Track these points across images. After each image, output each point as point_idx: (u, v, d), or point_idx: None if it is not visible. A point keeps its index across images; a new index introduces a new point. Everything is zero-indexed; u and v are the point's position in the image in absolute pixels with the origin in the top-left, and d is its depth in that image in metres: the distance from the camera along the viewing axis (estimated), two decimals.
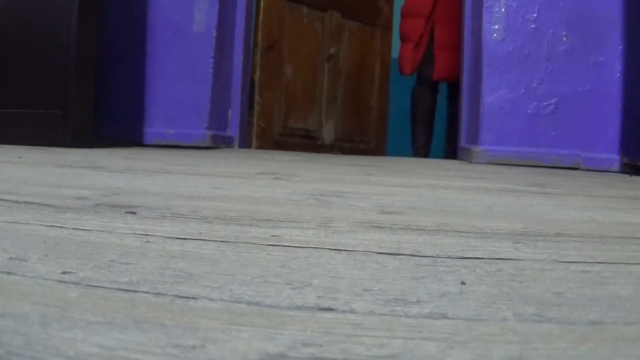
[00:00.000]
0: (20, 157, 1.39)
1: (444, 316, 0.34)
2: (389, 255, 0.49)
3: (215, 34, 2.44)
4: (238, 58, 2.70)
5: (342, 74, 3.18)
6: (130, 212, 0.65)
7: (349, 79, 3.22)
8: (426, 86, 3.10)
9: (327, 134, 3.10)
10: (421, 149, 3.13)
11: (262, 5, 2.80)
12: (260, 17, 2.80)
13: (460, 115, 2.63)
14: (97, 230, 0.54)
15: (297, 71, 2.95)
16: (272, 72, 2.83)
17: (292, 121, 2.94)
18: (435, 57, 3.01)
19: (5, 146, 1.83)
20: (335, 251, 0.50)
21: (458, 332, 0.31)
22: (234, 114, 2.69)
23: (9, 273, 0.38)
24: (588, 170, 2.23)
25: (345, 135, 3.19)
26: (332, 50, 3.10)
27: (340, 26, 3.16)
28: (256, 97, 2.80)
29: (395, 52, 3.43)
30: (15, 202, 0.69)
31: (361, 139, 3.31)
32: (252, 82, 2.79)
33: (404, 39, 3.11)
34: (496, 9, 2.32)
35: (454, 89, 3.05)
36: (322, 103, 3.08)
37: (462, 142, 2.58)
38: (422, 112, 3.11)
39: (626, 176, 1.95)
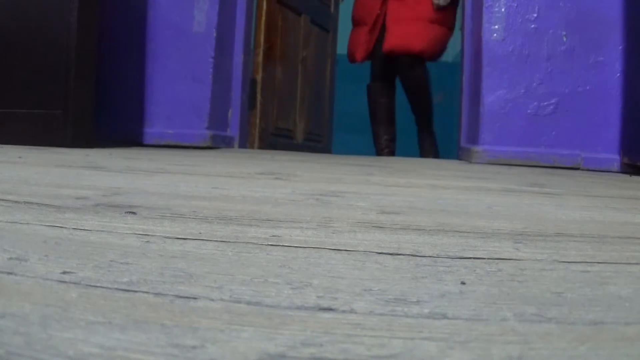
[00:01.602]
0: (20, 157, 1.39)
1: (444, 316, 0.34)
2: (389, 255, 0.49)
3: (215, 34, 2.45)
4: (238, 58, 2.70)
5: (309, 76, 3.24)
6: (130, 212, 0.65)
7: (312, 81, 3.30)
8: (380, 82, 2.88)
9: (299, 133, 3.16)
10: (385, 150, 2.88)
11: (264, 7, 2.81)
12: (263, 18, 2.81)
13: (460, 115, 2.63)
14: (97, 230, 0.54)
15: (284, 73, 2.98)
16: (270, 73, 2.85)
17: (279, 122, 2.98)
18: (387, 30, 2.70)
19: (5, 146, 1.83)
20: (335, 251, 0.50)
21: (458, 332, 0.31)
22: (234, 114, 2.69)
23: (9, 273, 0.38)
24: (588, 170, 2.23)
25: (310, 135, 3.27)
26: (304, 53, 3.17)
27: (309, 30, 3.23)
28: (258, 97, 2.81)
29: (341, 49, 3.47)
30: (15, 202, 0.69)
31: (320, 138, 3.43)
32: (254, 82, 2.79)
33: (357, 22, 2.84)
34: (496, 9, 2.33)
35: (404, 64, 2.74)
36: (297, 104, 3.14)
37: (462, 142, 2.58)
38: (379, 111, 2.90)
39: (626, 176, 1.95)
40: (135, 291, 0.36)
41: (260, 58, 2.80)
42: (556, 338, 0.31)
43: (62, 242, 0.49)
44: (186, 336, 0.29)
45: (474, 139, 2.39)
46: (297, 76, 3.13)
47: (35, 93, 1.96)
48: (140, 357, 0.26)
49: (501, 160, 2.27)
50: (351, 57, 2.86)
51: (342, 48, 3.58)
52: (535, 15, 2.31)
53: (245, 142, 2.77)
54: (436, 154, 2.91)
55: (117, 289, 0.36)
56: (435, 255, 0.50)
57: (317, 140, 3.39)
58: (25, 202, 0.69)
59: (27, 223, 0.57)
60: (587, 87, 2.28)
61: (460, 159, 2.52)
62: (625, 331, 0.32)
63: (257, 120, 2.81)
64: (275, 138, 2.93)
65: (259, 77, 2.80)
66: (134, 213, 0.64)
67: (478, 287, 0.40)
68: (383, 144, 2.90)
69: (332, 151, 3.58)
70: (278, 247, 0.51)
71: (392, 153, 2.90)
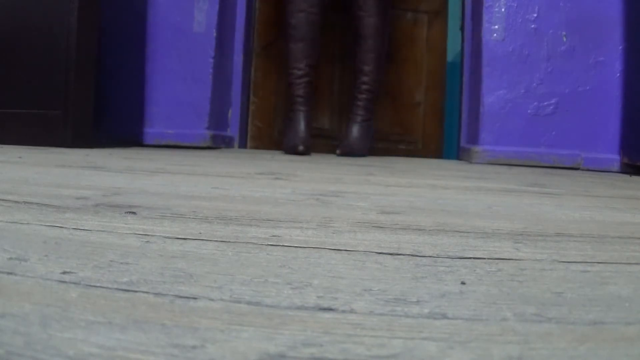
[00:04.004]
0: (20, 157, 1.39)
1: (444, 316, 0.34)
2: (389, 255, 0.49)
3: (215, 34, 2.45)
4: (238, 58, 2.70)
5: None
6: (130, 212, 0.65)
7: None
8: None
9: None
10: None
11: (256, 5, 2.79)
12: (256, 16, 2.79)
13: (460, 115, 2.63)
14: (97, 230, 0.54)
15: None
16: (271, 71, 2.81)
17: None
18: None
19: (5, 146, 1.83)
20: (335, 251, 0.50)
21: (458, 332, 0.31)
22: (234, 114, 2.69)
23: (9, 273, 0.38)
24: (588, 170, 2.23)
25: (377, 134, 2.77)
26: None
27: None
28: (251, 97, 2.79)
29: (451, 45, 2.84)
30: (15, 202, 0.69)
31: (401, 138, 2.84)
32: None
33: None
34: (496, 9, 2.33)
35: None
36: (340, 101, 2.81)
37: (462, 142, 2.58)
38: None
39: (626, 176, 1.95)
40: (135, 291, 0.36)
41: (253, 58, 2.78)
42: (556, 338, 0.31)
43: (62, 242, 0.49)
44: (186, 336, 0.29)
45: (474, 139, 2.39)
46: (338, 70, 2.79)
47: (35, 93, 1.96)
48: (140, 357, 0.26)
49: (501, 160, 2.27)
50: None
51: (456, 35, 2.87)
52: (535, 15, 2.31)
53: (245, 142, 2.77)
54: None
55: (117, 289, 0.36)
56: (435, 255, 0.50)
57: (399, 141, 2.83)
58: (25, 202, 0.69)
59: (27, 223, 0.57)
60: (587, 87, 2.28)
61: (460, 159, 2.52)
62: (625, 331, 0.32)
63: (250, 120, 2.78)
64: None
65: (251, 77, 2.78)
66: (134, 213, 0.64)
67: (478, 287, 0.40)
68: None
69: (443, 155, 2.87)
70: (278, 247, 0.51)
71: None
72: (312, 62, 2.34)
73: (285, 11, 2.31)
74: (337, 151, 2.34)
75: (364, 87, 2.37)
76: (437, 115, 2.86)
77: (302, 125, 2.30)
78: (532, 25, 2.31)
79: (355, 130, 2.36)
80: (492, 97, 2.31)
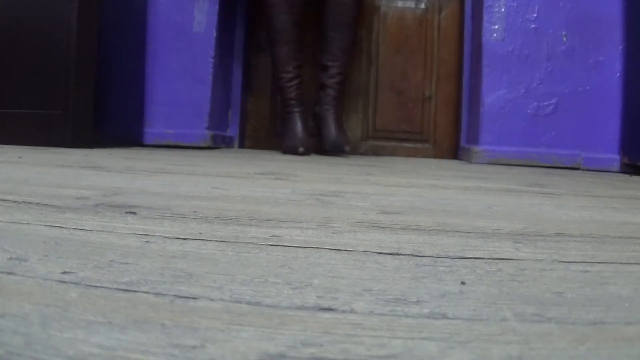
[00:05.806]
0: (20, 157, 1.39)
1: (444, 316, 0.34)
2: (389, 255, 0.49)
3: (215, 34, 2.45)
4: (238, 58, 2.70)
5: (373, 61, 2.69)
6: (130, 212, 0.65)
7: (384, 66, 2.68)
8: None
9: (351, 130, 2.68)
10: None
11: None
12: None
13: (461, 115, 2.63)
14: (97, 230, 0.54)
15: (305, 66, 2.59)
16: (267, 71, 2.77)
17: None
18: None
19: (5, 146, 1.83)
20: (335, 251, 0.50)
21: (458, 332, 0.31)
22: (234, 114, 2.69)
23: (9, 273, 0.38)
24: (588, 170, 2.23)
25: (379, 132, 2.70)
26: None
27: (368, 8, 2.67)
28: (248, 97, 2.78)
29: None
30: (15, 202, 0.69)
31: (408, 136, 2.68)
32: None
33: None
34: (496, 9, 2.33)
35: None
36: (369, 99, 2.69)
37: (462, 142, 2.58)
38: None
39: (626, 176, 1.95)
40: (135, 291, 0.36)
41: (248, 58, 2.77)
42: (556, 338, 0.31)
43: (62, 242, 0.49)
44: (186, 336, 0.29)
45: (474, 139, 2.39)
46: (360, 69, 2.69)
47: (35, 93, 1.96)
48: (140, 357, 0.26)
49: (501, 160, 2.27)
50: None
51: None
52: (535, 15, 2.31)
53: (244, 142, 2.77)
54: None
55: (117, 289, 0.36)
56: (435, 255, 0.50)
57: (407, 140, 2.68)
58: (25, 202, 0.69)
59: (27, 223, 0.57)
60: (587, 87, 2.28)
61: (460, 159, 2.52)
62: (625, 331, 0.32)
63: (246, 120, 2.77)
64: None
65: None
66: (134, 213, 0.64)
67: (478, 287, 0.40)
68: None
69: (458, 155, 2.61)
70: (278, 247, 0.51)
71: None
72: (300, 63, 2.33)
73: (268, 15, 2.28)
74: (326, 147, 2.31)
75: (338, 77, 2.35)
76: (452, 111, 2.67)
77: (299, 127, 2.31)
78: (532, 25, 2.31)
79: (333, 122, 2.34)
80: (492, 97, 2.31)
